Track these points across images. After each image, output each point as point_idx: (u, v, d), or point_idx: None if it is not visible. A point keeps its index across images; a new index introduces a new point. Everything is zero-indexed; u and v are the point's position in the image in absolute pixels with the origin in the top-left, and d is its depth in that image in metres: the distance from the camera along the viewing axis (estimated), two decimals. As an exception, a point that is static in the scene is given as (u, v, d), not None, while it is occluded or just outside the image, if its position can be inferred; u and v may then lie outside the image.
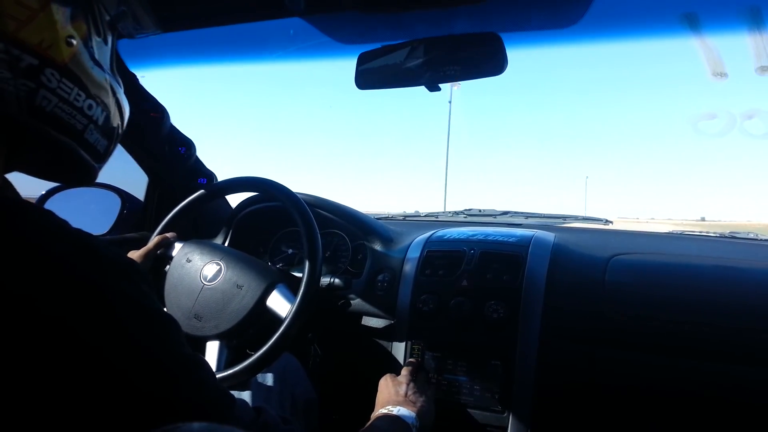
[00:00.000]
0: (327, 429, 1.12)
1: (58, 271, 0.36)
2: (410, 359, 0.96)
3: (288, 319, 0.78)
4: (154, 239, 0.93)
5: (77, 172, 0.49)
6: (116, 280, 0.40)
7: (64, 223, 0.40)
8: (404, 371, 0.86)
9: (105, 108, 0.47)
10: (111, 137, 0.50)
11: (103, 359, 0.37)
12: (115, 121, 0.50)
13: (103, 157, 0.50)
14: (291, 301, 0.80)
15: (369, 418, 0.74)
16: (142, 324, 0.41)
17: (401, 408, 0.73)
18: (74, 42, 0.43)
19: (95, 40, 0.46)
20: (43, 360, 0.34)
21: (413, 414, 0.73)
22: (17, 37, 0.38)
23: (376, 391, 0.83)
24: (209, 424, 0.38)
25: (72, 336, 0.35)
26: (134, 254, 0.89)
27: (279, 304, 0.81)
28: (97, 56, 0.46)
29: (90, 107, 0.45)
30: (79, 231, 0.41)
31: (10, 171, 0.46)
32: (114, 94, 0.49)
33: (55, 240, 0.38)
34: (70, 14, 0.42)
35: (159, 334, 0.42)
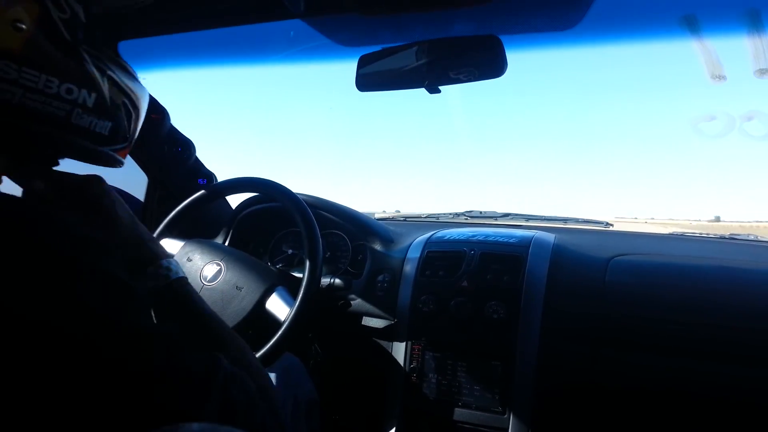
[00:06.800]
0: (327, 429, 1.12)
1: (20, 242, 0.35)
2: None
3: (287, 323, 0.78)
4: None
5: (90, 158, 0.47)
6: (78, 253, 0.38)
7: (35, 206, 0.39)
8: None
9: (93, 88, 0.44)
10: (116, 115, 0.47)
11: (69, 333, 0.34)
12: (118, 98, 0.47)
13: (111, 138, 0.47)
14: (290, 304, 0.80)
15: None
16: (106, 295, 0.38)
17: None
18: (23, 26, 0.39)
19: (59, 18, 0.42)
20: (9, 336, 0.32)
21: None
22: None
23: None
24: (209, 424, 0.38)
25: (33, 310, 0.34)
26: None
27: (278, 307, 0.81)
28: (67, 35, 0.42)
29: (69, 91, 0.42)
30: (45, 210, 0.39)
31: (25, 170, 0.47)
32: (104, 71, 0.46)
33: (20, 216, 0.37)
34: None
35: (120, 304, 0.39)
